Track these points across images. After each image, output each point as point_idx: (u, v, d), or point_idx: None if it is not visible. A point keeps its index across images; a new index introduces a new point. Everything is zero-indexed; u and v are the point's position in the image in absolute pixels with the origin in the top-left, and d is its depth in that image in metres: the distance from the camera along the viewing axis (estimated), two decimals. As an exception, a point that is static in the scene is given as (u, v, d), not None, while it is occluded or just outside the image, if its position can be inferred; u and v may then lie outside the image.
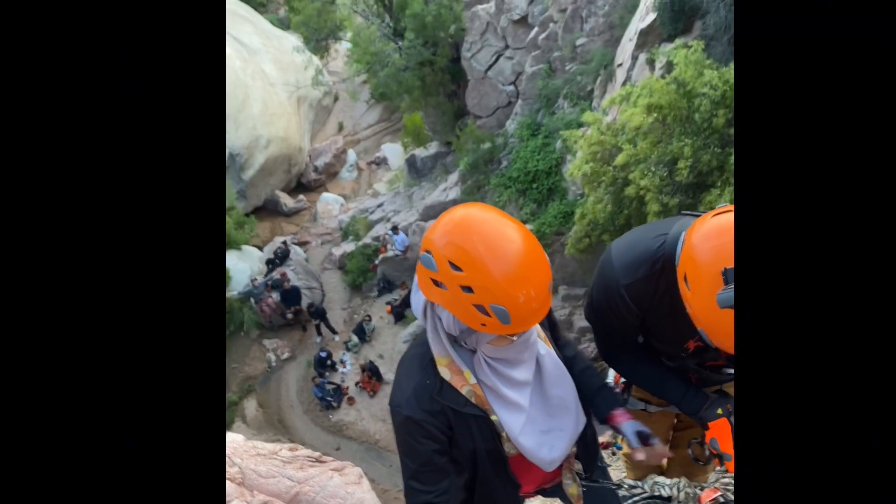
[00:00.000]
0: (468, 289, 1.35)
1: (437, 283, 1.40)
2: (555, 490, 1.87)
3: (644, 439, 1.71)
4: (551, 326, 1.81)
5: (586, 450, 1.80)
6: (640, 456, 1.67)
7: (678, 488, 1.70)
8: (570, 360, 1.78)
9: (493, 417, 1.56)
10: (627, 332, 1.81)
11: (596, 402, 1.77)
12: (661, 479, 1.71)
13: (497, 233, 1.38)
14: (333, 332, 14.52)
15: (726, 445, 1.68)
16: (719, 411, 1.72)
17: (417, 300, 1.54)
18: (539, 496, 1.93)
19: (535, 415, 1.60)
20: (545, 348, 1.66)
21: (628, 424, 1.72)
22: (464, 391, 1.53)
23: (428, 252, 1.41)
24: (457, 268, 1.36)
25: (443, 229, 1.41)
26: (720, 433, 1.71)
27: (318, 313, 14.44)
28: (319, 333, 14.50)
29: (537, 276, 1.38)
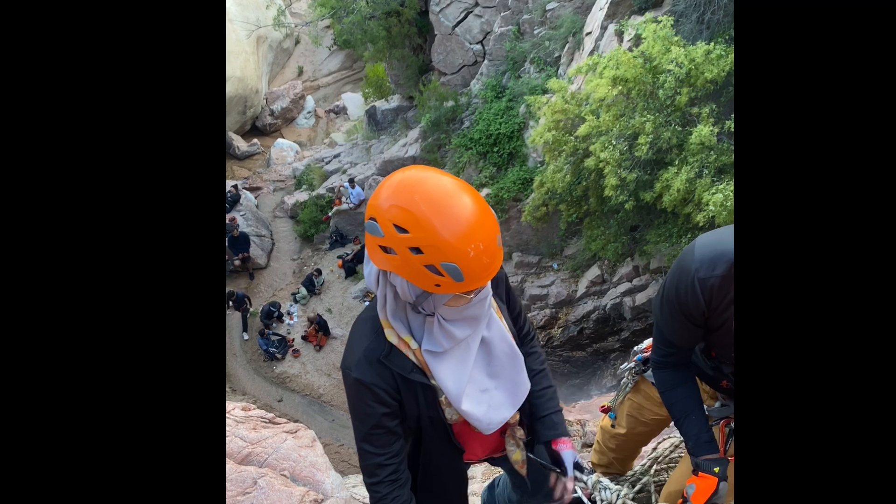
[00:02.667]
0: (417, 250, 1.33)
1: (385, 250, 1.38)
2: (502, 460, 1.90)
3: (580, 470, 1.78)
4: (509, 301, 1.79)
5: (529, 418, 1.83)
6: (570, 485, 1.74)
7: (618, 495, 1.72)
8: (527, 355, 1.80)
9: (433, 382, 1.57)
10: (688, 334, 1.78)
11: (544, 422, 1.81)
12: (605, 480, 1.73)
13: (438, 189, 1.35)
14: (245, 328, 13.33)
15: (698, 499, 1.72)
16: (716, 469, 1.74)
17: (370, 271, 1.52)
18: (485, 462, 1.96)
19: (475, 375, 1.61)
20: (496, 318, 1.65)
21: (569, 454, 1.77)
22: (406, 353, 1.54)
23: (372, 219, 1.39)
24: (402, 230, 1.33)
25: (384, 194, 1.38)
26: (702, 488, 1.74)
27: (238, 301, 13.45)
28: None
29: (484, 229, 1.35)
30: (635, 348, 2.32)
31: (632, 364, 2.29)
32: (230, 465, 1.99)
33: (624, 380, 2.33)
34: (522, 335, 1.84)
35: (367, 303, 13.00)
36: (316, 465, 2.08)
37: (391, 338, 1.53)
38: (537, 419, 1.82)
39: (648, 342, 2.27)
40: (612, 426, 2.42)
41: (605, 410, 2.46)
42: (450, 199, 1.34)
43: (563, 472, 1.76)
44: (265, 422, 2.24)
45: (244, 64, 18.63)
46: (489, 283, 1.51)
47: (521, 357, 1.69)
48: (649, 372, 2.20)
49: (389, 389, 1.53)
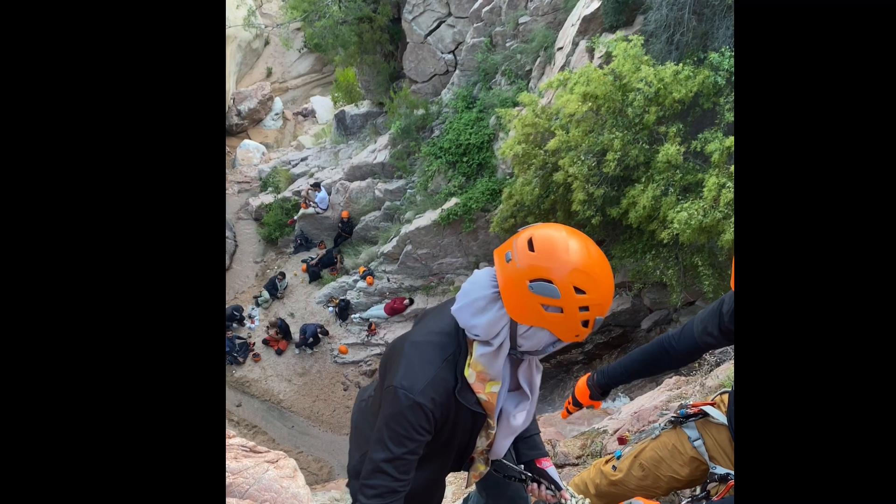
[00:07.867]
0: (585, 308, 1.52)
1: (548, 308, 1.51)
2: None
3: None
4: None
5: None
6: (566, 495, 1.88)
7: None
8: None
9: (490, 420, 1.72)
10: (708, 315, 2.06)
11: (528, 443, 1.95)
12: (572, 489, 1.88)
13: (599, 254, 1.57)
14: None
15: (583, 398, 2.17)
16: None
17: (492, 321, 1.59)
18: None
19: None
20: None
21: (553, 470, 1.91)
22: (480, 397, 1.65)
23: (546, 281, 1.50)
24: (580, 291, 1.51)
25: (560, 259, 1.52)
26: (580, 389, 2.17)
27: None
28: None
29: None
30: (682, 402, 2.37)
31: (671, 414, 2.27)
32: (211, 497, 1.94)
33: (655, 424, 2.30)
34: None
35: (330, 309, 12.96)
36: (298, 497, 2.05)
37: (470, 377, 1.63)
38: (521, 439, 1.94)
39: (694, 401, 2.34)
40: (614, 468, 2.32)
41: (623, 442, 2.45)
42: (605, 262, 1.58)
43: (557, 487, 1.88)
44: (246, 451, 2.20)
45: (211, 62, 18.34)
46: None
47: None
48: (688, 423, 2.20)
49: (440, 418, 1.62)
